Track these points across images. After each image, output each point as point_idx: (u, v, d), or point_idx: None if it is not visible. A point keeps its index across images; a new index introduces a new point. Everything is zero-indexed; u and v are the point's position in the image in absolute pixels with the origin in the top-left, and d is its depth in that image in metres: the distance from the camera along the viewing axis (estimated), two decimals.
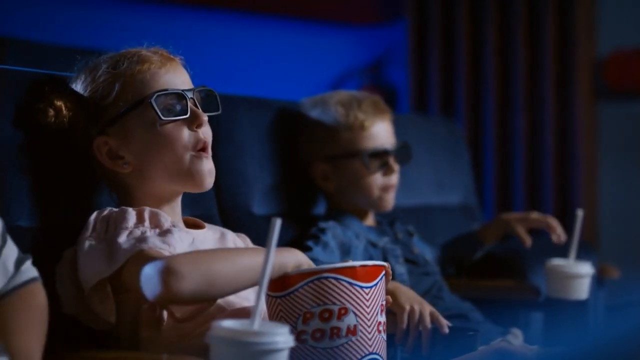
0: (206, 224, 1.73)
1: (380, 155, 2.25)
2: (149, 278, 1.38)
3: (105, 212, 1.57)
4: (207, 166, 1.63)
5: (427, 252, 2.35)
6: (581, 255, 2.23)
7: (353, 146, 2.24)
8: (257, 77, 3.92)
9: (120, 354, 1.51)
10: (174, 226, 1.57)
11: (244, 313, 1.50)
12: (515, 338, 2.12)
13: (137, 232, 1.51)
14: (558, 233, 2.36)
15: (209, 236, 1.68)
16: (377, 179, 2.25)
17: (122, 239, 1.49)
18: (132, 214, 1.55)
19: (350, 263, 1.48)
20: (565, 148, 4.01)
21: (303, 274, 1.45)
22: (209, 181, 1.64)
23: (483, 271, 2.54)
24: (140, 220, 1.55)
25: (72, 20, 3.50)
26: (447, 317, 2.10)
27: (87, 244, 1.51)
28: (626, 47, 4.05)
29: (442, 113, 4.16)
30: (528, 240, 2.38)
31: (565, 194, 4.02)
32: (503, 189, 4.07)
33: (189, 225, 1.69)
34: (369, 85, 4.42)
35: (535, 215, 2.42)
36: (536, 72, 4.05)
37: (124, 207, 1.58)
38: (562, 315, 2.28)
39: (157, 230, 1.54)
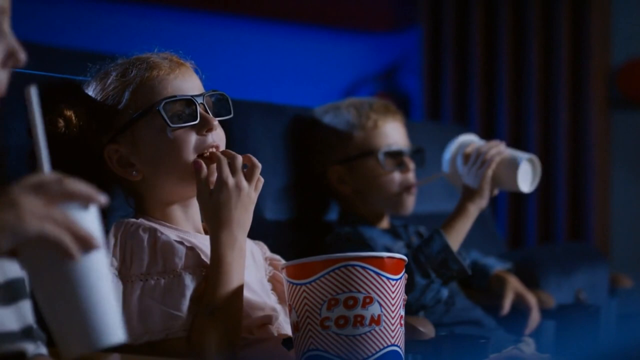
0: None
1: (395, 155, 2.25)
2: None
3: (122, 238, 1.54)
4: None
5: None
6: (594, 264, 2.20)
7: (367, 145, 2.24)
8: (272, 83, 3.92)
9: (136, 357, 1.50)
10: (183, 270, 1.54)
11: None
12: (528, 346, 2.11)
13: (151, 283, 1.50)
14: (531, 324, 2.28)
15: None
16: (395, 177, 2.25)
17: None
18: (145, 252, 1.53)
19: (378, 253, 1.48)
20: (579, 157, 4.00)
21: (329, 261, 1.45)
22: None
23: None
24: (153, 259, 1.53)
25: (85, 23, 3.51)
26: (459, 324, 2.09)
27: None
28: None
29: (455, 121, 4.15)
30: (505, 309, 2.26)
31: (578, 202, 4.01)
32: (516, 196, 4.06)
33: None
34: (383, 92, 4.42)
35: (529, 297, 2.30)
36: (550, 81, 4.04)
37: (140, 236, 1.55)
38: (574, 323, 2.27)
39: (163, 282, 1.51)
